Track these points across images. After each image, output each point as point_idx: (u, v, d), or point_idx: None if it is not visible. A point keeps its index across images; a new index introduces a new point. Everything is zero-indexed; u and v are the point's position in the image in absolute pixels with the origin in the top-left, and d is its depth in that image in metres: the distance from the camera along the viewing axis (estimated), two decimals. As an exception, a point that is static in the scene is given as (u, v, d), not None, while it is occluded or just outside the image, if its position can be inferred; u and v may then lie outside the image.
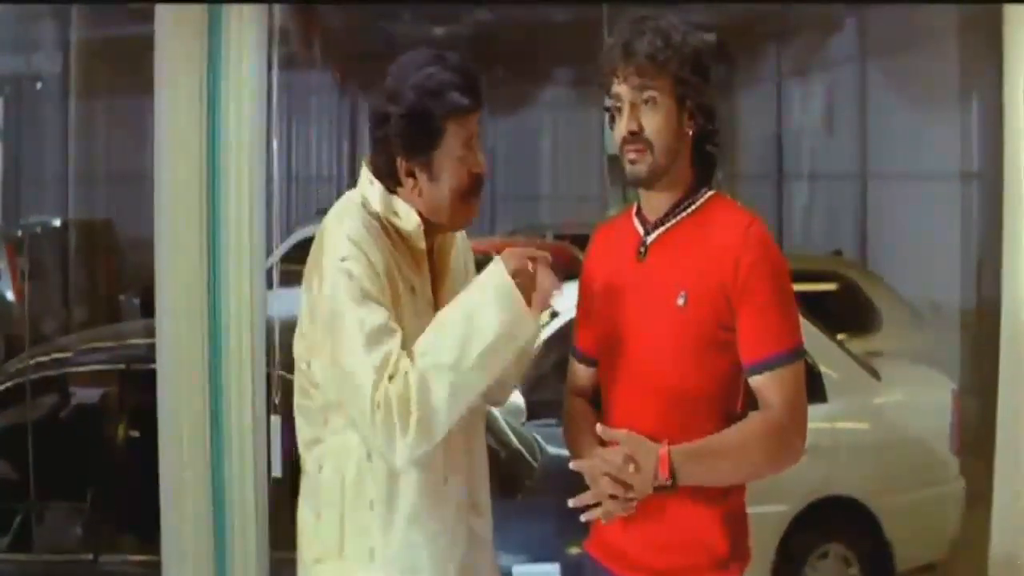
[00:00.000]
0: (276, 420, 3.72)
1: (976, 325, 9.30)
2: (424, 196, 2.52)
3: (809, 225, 14.31)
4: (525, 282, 2.42)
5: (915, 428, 5.82)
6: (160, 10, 3.69)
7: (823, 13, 13.12)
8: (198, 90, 3.70)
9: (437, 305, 2.55)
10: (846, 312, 8.08)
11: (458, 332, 2.37)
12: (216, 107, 3.70)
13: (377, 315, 2.38)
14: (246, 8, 3.71)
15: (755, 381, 2.50)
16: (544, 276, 2.44)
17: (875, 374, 6.01)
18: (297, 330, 2.57)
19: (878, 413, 5.84)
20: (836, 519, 5.59)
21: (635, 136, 2.51)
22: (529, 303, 2.41)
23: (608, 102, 2.60)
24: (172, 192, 3.74)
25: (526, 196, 17.89)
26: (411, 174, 2.51)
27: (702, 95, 2.54)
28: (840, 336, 6.53)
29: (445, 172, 2.50)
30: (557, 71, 17.85)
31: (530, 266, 2.43)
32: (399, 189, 2.54)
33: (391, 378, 2.34)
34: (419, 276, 2.55)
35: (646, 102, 2.51)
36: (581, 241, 12.06)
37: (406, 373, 2.35)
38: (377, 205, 2.53)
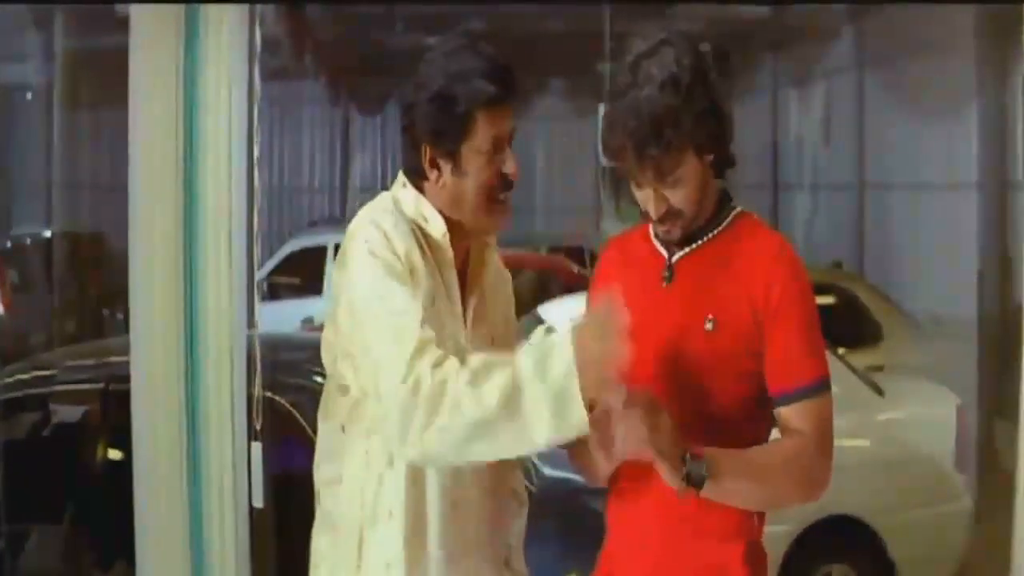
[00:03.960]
0: (257, 447, 3.61)
1: (979, 337, 9.26)
2: (448, 191, 2.42)
3: (806, 236, 14.26)
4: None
5: (919, 445, 5.76)
6: (136, 11, 3.60)
7: (820, 22, 13.09)
8: (174, 96, 3.60)
9: (465, 319, 2.47)
10: (846, 325, 8.05)
11: (502, 393, 2.20)
12: (194, 114, 3.61)
13: (399, 293, 2.29)
14: (227, 9, 3.60)
15: (783, 411, 2.38)
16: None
17: (878, 390, 5.96)
18: (323, 341, 2.49)
19: (881, 430, 5.79)
20: (839, 539, 5.53)
21: (665, 213, 2.38)
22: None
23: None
24: (147, 204, 3.64)
25: (521, 207, 17.77)
26: (435, 165, 2.42)
27: (721, 135, 2.39)
28: (840, 350, 6.46)
29: (472, 167, 2.40)
30: (551, 82, 17.84)
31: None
32: (425, 184, 2.44)
33: (435, 366, 2.22)
34: (444, 286, 2.44)
35: (670, 184, 2.36)
36: (575, 253, 12.06)
37: (457, 373, 2.21)
38: (408, 208, 2.45)
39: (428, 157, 2.42)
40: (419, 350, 2.24)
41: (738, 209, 2.48)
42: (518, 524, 2.72)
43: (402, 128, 2.46)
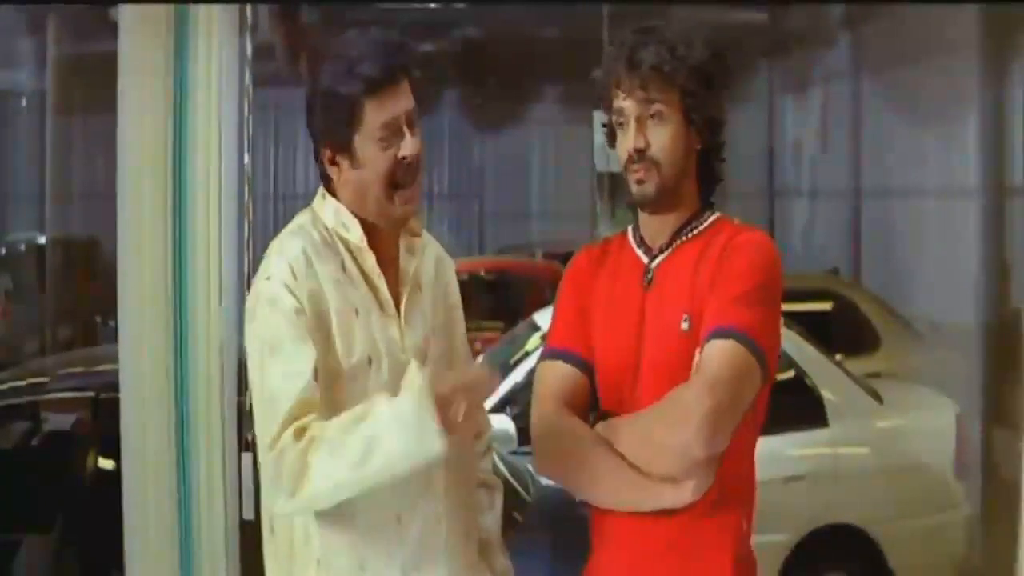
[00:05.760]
0: (248, 458, 3.56)
1: (979, 344, 9.22)
2: (351, 186, 2.42)
3: (803, 243, 14.22)
4: (445, 409, 2.26)
5: (919, 453, 5.74)
6: (124, 12, 3.56)
7: (817, 27, 13.06)
8: (164, 100, 3.56)
9: (401, 321, 2.43)
10: (843, 332, 8.02)
11: (359, 449, 2.24)
12: (184, 118, 3.56)
13: (289, 344, 2.30)
14: (217, 10, 3.56)
15: (701, 354, 2.33)
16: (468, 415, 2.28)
17: (877, 397, 5.92)
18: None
19: (880, 437, 5.79)
20: (838, 548, 5.52)
21: (641, 154, 2.39)
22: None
23: (606, 118, 2.48)
24: (136, 210, 3.59)
25: (515, 214, 17.83)
26: (334, 162, 2.42)
27: (710, 108, 2.43)
28: (837, 356, 6.44)
29: (367, 158, 2.39)
30: (546, 88, 17.81)
31: (459, 406, 2.26)
32: (333, 183, 2.44)
33: (299, 432, 2.26)
34: (373, 294, 2.42)
35: (652, 116, 2.39)
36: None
37: (313, 440, 2.26)
38: (329, 219, 2.44)
39: (327, 157, 2.42)
40: (291, 417, 2.27)
41: (717, 214, 2.49)
42: (491, 517, 2.65)
43: (310, 133, 2.47)
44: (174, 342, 3.60)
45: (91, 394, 4.41)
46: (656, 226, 2.46)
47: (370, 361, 2.37)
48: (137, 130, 3.57)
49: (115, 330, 3.74)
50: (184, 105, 3.57)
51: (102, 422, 4.33)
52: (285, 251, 2.38)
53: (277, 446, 2.26)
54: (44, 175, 13.36)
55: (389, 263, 2.46)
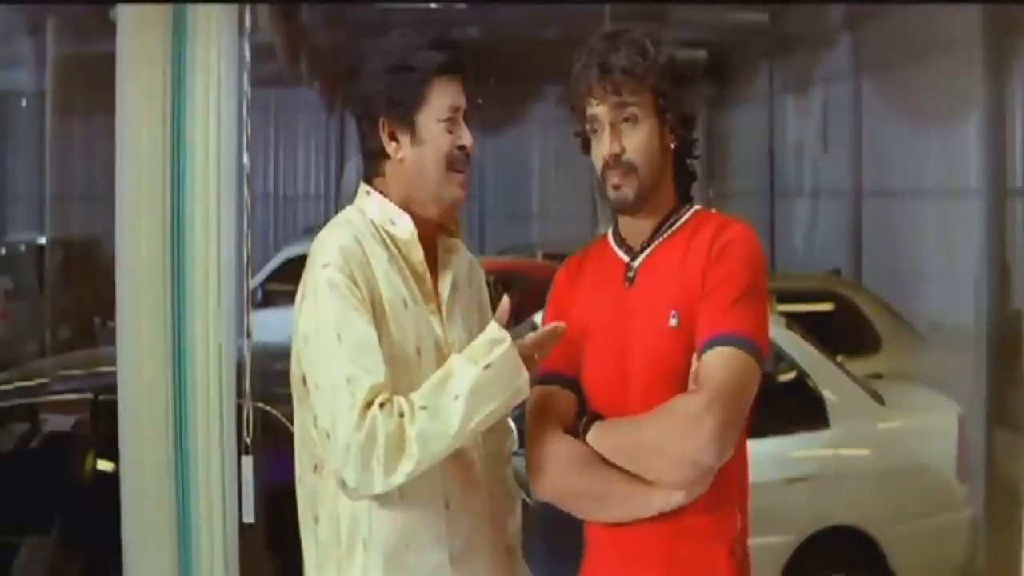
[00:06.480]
0: (248, 461, 3.55)
1: (980, 345, 9.21)
2: (408, 163, 2.46)
3: (804, 244, 14.20)
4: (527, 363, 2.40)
5: (920, 454, 5.74)
6: (122, 12, 3.55)
7: (818, 28, 13.04)
8: (162, 100, 3.56)
9: (443, 316, 2.48)
10: (845, 333, 8.00)
11: (462, 407, 2.31)
12: (182, 119, 3.56)
13: (357, 327, 2.32)
14: (215, 10, 3.56)
15: (699, 364, 2.33)
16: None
17: (878, 398, 5.91)
18: (293, 351, 2.46)
19: (882, 439, 5.77)
20: (839, 550, 5.50)
21: (618, 159, 2.41)
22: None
23: (579, 126, 2.50)
24: (134, 211, 3.59)
25: (516, 214, 17.84)
26: (394, 137, 2.46)
27: (682, 106, 2.45)
28: (839, 358, 6.42)
29: (429, 135, 2.45)
30: (546, 88, 17.80)
31: (535, 360, 2.42)
32: (386, 166, 2.47)
33: (382, 406, 2.27)
34: (418, 288, 2.46)
35: (626, 120, 2.41)
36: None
37: (401, 416, 2.28)
38: (375, 214, 2.47)
39: (387, 131, 2.46)
40: (372, 395, 2.28)
41: (696, 207, 2.50)
42: (513, 522, 2.68)
43: (358, 112, 2.51)
44: (173, 343, 3.60)
45: (90, 396, 4.40)
46: (636, 226, 2.48)
47: (419, 352, 2.41)
48: (136, 130, 3.57)
49: (114, 331, 3.73)
50: (183, 105, 3.57)
51: (101, 424, 4.32)
52: (338, 240, 2.40)
53: (364, 426, 2.26)
54: (44, 175, 13.34)
55: (429, 261, 2.50)
